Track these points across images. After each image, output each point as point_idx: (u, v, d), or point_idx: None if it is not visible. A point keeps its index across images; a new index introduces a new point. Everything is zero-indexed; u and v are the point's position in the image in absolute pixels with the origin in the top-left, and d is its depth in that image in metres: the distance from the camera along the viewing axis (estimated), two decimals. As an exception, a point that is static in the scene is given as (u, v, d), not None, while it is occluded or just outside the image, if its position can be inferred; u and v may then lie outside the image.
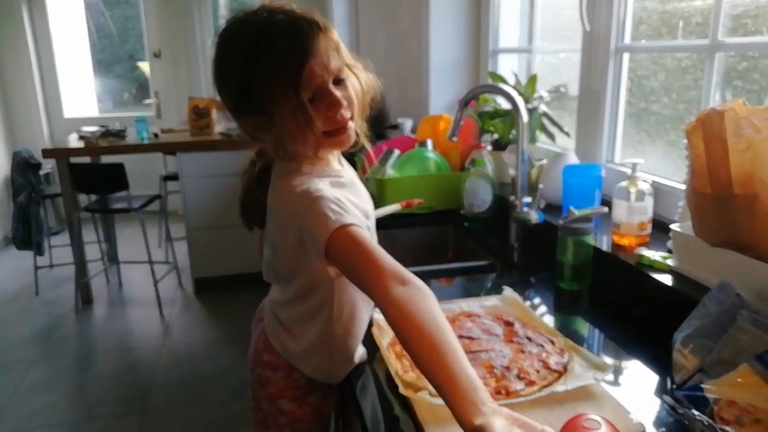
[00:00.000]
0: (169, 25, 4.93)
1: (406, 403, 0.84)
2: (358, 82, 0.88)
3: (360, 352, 0.99)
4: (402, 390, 0.84)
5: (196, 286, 3.46)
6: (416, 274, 1.37)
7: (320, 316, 0.94)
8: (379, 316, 1.06)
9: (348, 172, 0.98)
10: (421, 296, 0.73)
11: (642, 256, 1.13)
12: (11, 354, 2.85)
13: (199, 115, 3.35)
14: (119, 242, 3.81)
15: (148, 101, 5.12)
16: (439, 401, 0.79)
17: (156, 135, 3.37)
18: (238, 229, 3.69)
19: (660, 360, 0.94)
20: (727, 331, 0.86)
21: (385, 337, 1.00)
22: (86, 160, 3.41)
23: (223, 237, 3.34)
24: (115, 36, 5.74)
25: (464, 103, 1.52)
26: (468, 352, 0.93)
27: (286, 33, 0.82)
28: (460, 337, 0.98)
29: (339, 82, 0.85)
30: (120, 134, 3.27)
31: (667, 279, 1.06)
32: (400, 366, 0.90)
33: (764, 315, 0.84)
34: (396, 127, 2.66)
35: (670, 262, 1.09)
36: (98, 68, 5.59)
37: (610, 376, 0.92)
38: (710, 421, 0.77)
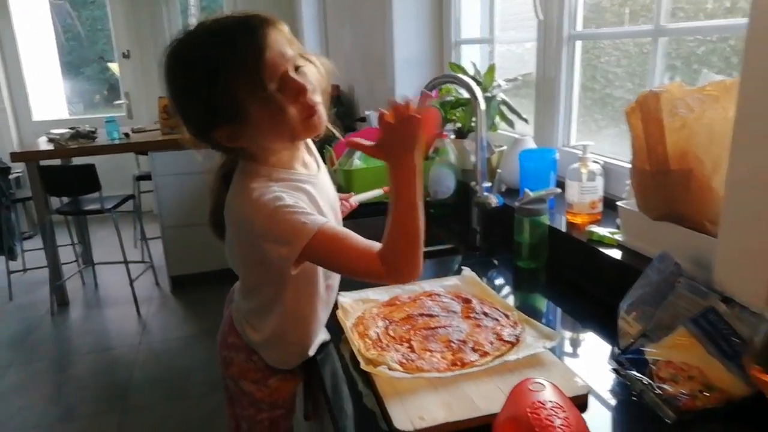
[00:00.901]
0: (138, 26, 4.89)
1: (368, 379, 0.89)
2: (315, 68, 0.91)
3: (318, 341, 1.03)
4: (363, 366, 0.88)
5: (173, 283, 3.48)
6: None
7: (275, 311, 0.97)
8: (343, 300, 1.11)
9: (310, 169, 0.99)
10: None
11: (592, 233, 1.19)
12: (-13, 359, 2.84)
13: (170, 114, 3.34)
14: (93, 244, 3.79)
15: (119, 102, 5.07)
16: (398, 374, 0.85)
17: (127, 135, 3.36)
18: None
19: (610, 329, 0.99)
20: (667, 298, 0.92)
21: (349, 318, 1.04)
22: (57, 162, 3.39)
23: (197, 234, 3.33)
24: (84, 37, 5.67)
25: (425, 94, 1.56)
26: (427, 328, 0.98)
27: (239, 32, 0.84)
28: (421, 315, 1.03)
29: (296, 70, 0.87)
30: (90, 135, 3.26)
31: (615, 253, 1.12)
32: (362, 345, 0.94)
33: (700, 281, 0.90)
34: (363, 119, 2.70)
35: (617, 237, 1.15)
36: (67, 70, 5.51)
37: (564, 346, 0.98)
38: (649, 380, 0.83)
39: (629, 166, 1.31)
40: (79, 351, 2.90)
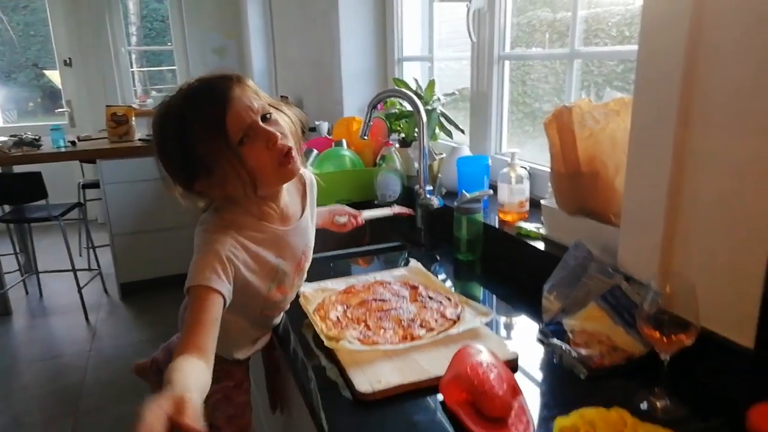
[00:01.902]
0: (80, 33, 4.82)
1: (330, 355, 1.02)
2: (285, 116, 0.99)
3: (250, 350, 1.18)
4: (327, 343, 1.01)
5: (122, 290, 3.46)
6: (339, 257, 1.56)
7: None
8: (304, 289, 1.23)
9: (286, 222, 1.06)
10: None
11: (521, 228, 1.36)
12: (-75, 373, 2.76)
13: (118, 122, 3.35)
14: (36, 253, 3.72)
15: (60, 110, 4.96)
16: (357, 347, 0.98)
17: (73, 143, 3.34)
18: (162, 233, 3.77)
19: (535, 309, 1.16)
20: (581, 279, 1.10)
21: (311, 304, 1.17)
22: (-3, 170, 3.33)
23: (147, 241, 3.37)
24: (16, 43, 5.50)
25: (372, 106, 1.71)
26: (380, 310, 1.12)
27: (203, 93, 0.94)
28: (374, 300, 1.17)
29: (266, 119, 0.95)
30: (34, 143, 3.22)
31: (540, 245, 1.30)
32: (324, 326, 1.07)
33: (607, 265, 1.08)
34: (314, 129, 2.83)
35: (541, 231, 1.33)
36: (-1, 77, 5.34)
37: (498, 324, 1.14)
38: (567, 346, 1.00)
39: (549, 170, 1.51)
40: (26, 360, 2.86)
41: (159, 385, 1.52)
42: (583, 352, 0.97)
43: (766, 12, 0.76)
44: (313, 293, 1.22)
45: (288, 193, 1.09)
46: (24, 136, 3.26)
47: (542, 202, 1.32)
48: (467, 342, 0.99)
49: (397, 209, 1.63)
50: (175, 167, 0.96)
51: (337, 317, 1.10)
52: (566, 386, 0.92)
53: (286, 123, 0.98)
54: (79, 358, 2.82)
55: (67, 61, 4.87)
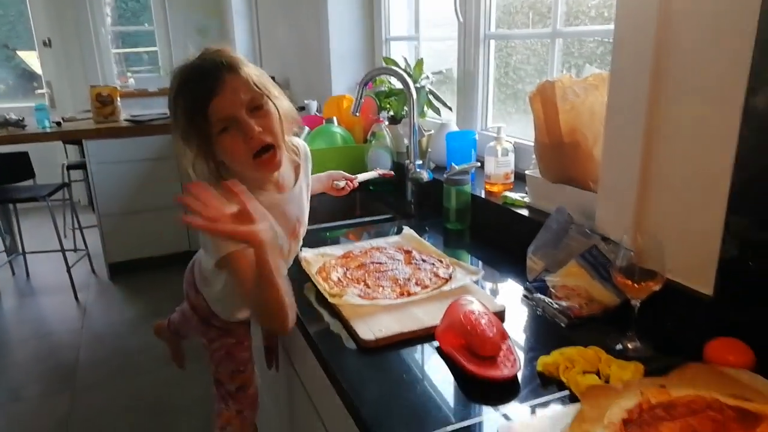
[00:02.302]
0: (59, 13, 4.76)
1: (333, 311, 1.10)
2: (275, 110, 1.04)
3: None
4: (330, 299, 1.10)
5: (111, 271, 3.50)
6: (334, 228, 1.64)
7: (220, 278, 1.20)
8: (305, 254, 1.31)
9: (280, 188, 1.15)
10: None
11: (506, 197, 1.46)
12: None
13: (103, 103, 3.36)
14: (20, 234, 3.73)
15: (40, 91, 4.91)
16: (359, 301, 1.07)
17: (58, 124, 3.34)
18: (149, 213, 3.82)
19: (519, 268, 1.26)
20: (562, 241, 1.20)
21: (313, 267, 1.25)
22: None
23: (135, 221, 3.40)
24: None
25: (363, 84, 1.78)
26: (378, 272, 1.21)
27: (195, 75, 1.01)
28: (372, 263, 1.25)
29: (257, 109, 1.01)
30: (19, 124, 3.21)
31: (524, 212, 1.40)
32: (326, 285, 1.16)
33: (586, 227, 1.18)
34: (302, 108, 2.88)
35: (526, 199, 1.43)
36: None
37: (487, 283, 1.23)
38: (549, 299, 1.10)
39: (533, 144, 1.60)
40: (17, 338, 2.90)
41: (174, 343, 1.64)
42: (564, 303, 1.07)
43: (724, 10, 0.86)
44: (314, 257, 1.30)
45: (284, 165, 1.15)
46: (8, 116, 3.26)
47: (527, 172, 1.41)
48: (458, 296, 1.09)
49: (380, 171, 1.74)
50: (174, 125, 1.05)
51: (338, 278, 1.19)
52: (548, 333, 1.02)
53: (276, 115, 1.04)
54: (71, 336, 2.86)
55: (47, 42, 4.81)
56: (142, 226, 3.42)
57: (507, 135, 1.58)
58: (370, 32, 2.62)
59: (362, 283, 1.16)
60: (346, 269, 1.23)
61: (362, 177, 1.62)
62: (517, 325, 1.05)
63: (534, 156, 1.49)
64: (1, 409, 2.33)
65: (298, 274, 1.26)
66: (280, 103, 1.07)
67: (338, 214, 1.87)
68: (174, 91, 1.03)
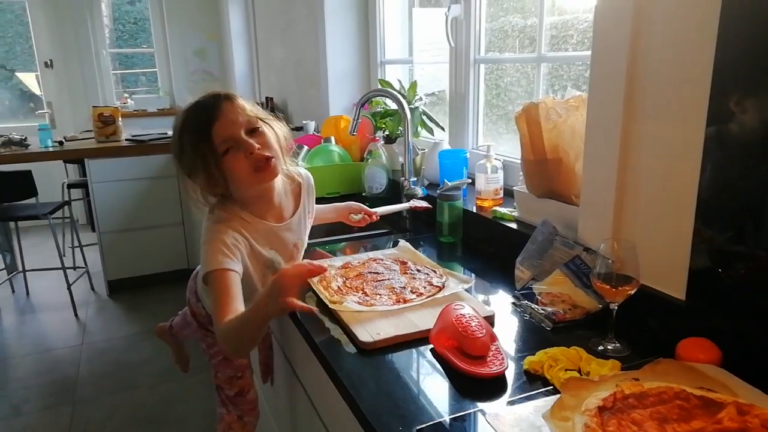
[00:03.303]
0: (61, 35, 4.87)
1: (334, 317, 1.17)
2: (272, 130, 1.18)
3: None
4: (330, 306, 1.17)
5: (110, 288, 3.55)
6: (332, 242, 1.72)
7: None
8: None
9: (279, 220, 1.25)
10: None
11: (496, 212, 1.54)
12: None
13: (105, 122, 3.45)
14: (17, 252, 3.77)
15: (41, 111, 4.99)
16: (358, 308, 1.14)
17: (60, 143, 3.42)
18: (149, 231, 3.89)
19: (507, 279, 1.34)
20: (547, 251, 1.28)
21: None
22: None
23: (135, 239, 3.47)
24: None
25: (360, 105, 1.88)
26: (375, 281, 1.29)
27: (196, 111, 1.14)
28: (369, 272, 1.33)
29: (253, 131, 1.13)
30: (22, 143, 3.29)
31: (513, 225, 1.48)
32: (327, 294, 1.23)
33: (570, 239, 1.26)
34: (300, 128, 2.98)
35: (514, 214, 1.51)
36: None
37: (478, 292, 1.31)
38: (536, 305, 1.18)
39: (520, 160, 1.69)
40: (18, 354, 2.94)
41: (175, 345, 1.70)
42: (549, 309, 1.15)
43: (689, 29, 0.95)
44: (314, 269, 1.38)
45: (283, 194, 1.27)
46: (12, 135, 3.33)
47: (515, 188, 1.50)
48: (451, 303, 1.16)
49: (415, 203, 1.70)
50: (178, 161, 1.16)
51: (338, 287, 1.26)
52: (534, 336, 1.09)
53: (271, 135, 1.17)
54: (71, 352, 2.90)
55: (48, 63, 4.91)
56: (141, 244, 3.48)
57: (497, 153, 1.67)
58: (365, 55, 2.73)
59: (361, 291, 1.24)
60: (346, 279, 1.31)
61: (384, 210, 1.64)
62: (506, 330, 1.13)
63: (521, 172, 1.58)
64: (2, 423, 2.36)
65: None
66: (275, 125, 1.21)
67: (336, 229, 1.95)
68: (179, 128, 1.15)
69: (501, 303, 1.25)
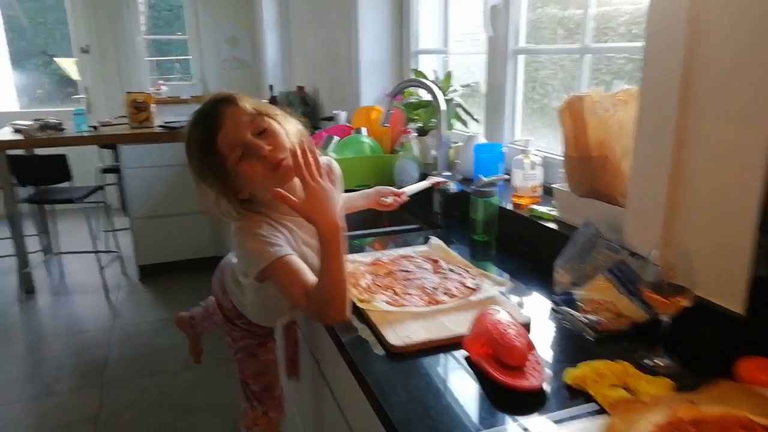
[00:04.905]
0: (97, 21, 4.93)
1: (363, 316, 1.13)
2: (281, 127, 1.10)
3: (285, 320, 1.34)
4: (359, 305, 1.12)
5: (141, 273, 3.58)
6: (361, 236, 1.67)
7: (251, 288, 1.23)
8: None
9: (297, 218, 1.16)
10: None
11: (534, 210, 1.47)
12: (-45, 344, 2.89)
13: (138, 108, 3.46)
14: (53, 234, 3.85)
15: (77, 96, 5.07)
16: (388, 308, 1.09)
17: (95, 128, 3.45)
18: (180, 218, 3.92)
19: (545, 282, 1.27)
20: (590, 255, 1.21)
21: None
22: (20, 152, 3.44)
23: (165, 225, 3.49)
24: (27, 30, 5.60)
25: (393, 95, 1.82)
26: (406, 279, 1.23)
27: (198, 120, 1.08)
28: (400, 270, 1.28)
29: (262, 132, 1.07)
30: (58, 127, 3.33)
31: (552, 225, 1.41)
32: (356, 291, 1.18)
33: (614, 241, 1.19)
34: (331, 118, 2.94)
35: (553, 213, 1.44)
36: (12, 63, 5.43)
37: (513, 294, 1.25)
38: (577, 312, 1.11)
39: (561, 158, 1.61)
40: (51, 334, 3.00)
41: (193, 337, 1.68)
42: (592, 317, 1.08)
43: (755, 23, 0.87)
44: (342, 265, 1.33)
45: None
46: (48, 120, 3.37)
47: (554, 186, 1.43)
48: (485, 306, 1.10)
49: (434, 179, 1.70)
50: (196, 179, 1.11)
51: (367, 284, 1.21)
52: (576, 346, 1.03)
53: (283, 133, 1.10)
54: (102, 334, 2.94)
55: (85, 48, 4.97)
56: (171, 230, 3.50)
57: (540, 149, 1.59)
58: (399, 45, 2.66)
59: (390, 291, 1.19)
60: (375, 276, 1.26)
61: (411, 189, 1.60)
62: (544, 338, 1.06)
63: (562, 170, 1.50)
64: (35, 402, 2.40)
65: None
66: (284, 121, 1.13)
67: (365, 223, 1.90)
68: (186, 141, 1.10)
69: (538, 308, 1.19)
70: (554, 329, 1.10)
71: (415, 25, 2.54)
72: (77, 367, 2.66)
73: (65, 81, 5.53)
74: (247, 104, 1.09)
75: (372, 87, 2.71)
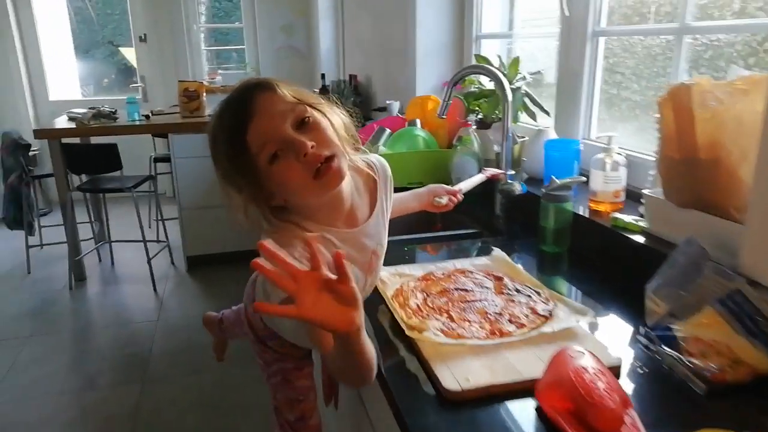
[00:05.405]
0: (155, 10, 4.94)
1: (410, 345, 0.95)
2: (326, 119, 0.89)
3: None
4: (408, 332, 0.94)
5: (189, 263, 3.54)
6: (409, 241, 1.49)
7: None
8: (381, 273, 1.17)
9: (352, 223, 0.98)
10: None
11: (617, 219, 1.24)
12: (6, 330, 2.92)
13: (190, 97, 3.40)
14: (109, 222, 3.87)
15: (134, 85, 5.12)
16: (442, 339, 0.91)
17: (147, 117, 3.42)
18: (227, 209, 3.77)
19: (632, 309, 1.05)
20: (694, 280, 0.98)
21: (388, 290, 1.10)
22: (76, 141, 3.45)
23: (214, 216, 3.42)
24: (95, 21, 5.70)
25: (453, 84, 1.62)
26: (463, 301, 1.04)
27: (226, 108, 0.87)
28: (456, 289, 1.09)
29: (303, 124, 0.86)
30: (111, 116, 3.31)
31: (639, 239, 1.18)
32: (404, 313, 1.00)
33: (726, 265, 0.96)
34: (383, 109, 2.75)
35: (642, 224, 1.21)
36: (78, 53, 5.55)
37: (591, 322, 1.04)
38: (679, 355, 0.89)
39: (650, 157, 1.37)
40: (98, 324, 2.99)
41: (220, 340, 1.52)
42: (699, 363, 0.86)
43: None
44: (389, 277, 1.16)
45: (354, 193, 1.00)
46: (102, 108, 3.36)
47: (645, 191, 1.19)
48: (563, 343, 0.90)
49: (489, 171, 1.51)
50: (220, 177, 0.91)
51: (418, 305, 1.03)
52: (681, 402, 0.81)
53: (328, 126, 0.89)
54: (147, 327, 2.90)
55: (142, 37, 5.00)
56: (219, 222, 3.42)
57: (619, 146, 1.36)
58: (459, 29, 2.45)
59: (445, 314, 1.00)
60: (427, 295, 1.07)
61: (466, 185, 1.41)
62: (635, 386, 0.85)
63: (654, 172, 1.26)
64: (77, 395, 2.37)
65: (372, 294, 1.11)
66: (329, 112, 0.92)
67: (416, 226, 1.71)
68: (210, 132, 0.89)
69: (624, 343, 0.97)
70: (648, 375, 0.88)
71: (478, 7, 2.32)
72: (120, 360, 2.62)
73: (129, 70, 5.61)
74: (287, 90, 0.87)
75: (428, 75, 2.51)
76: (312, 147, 0.84)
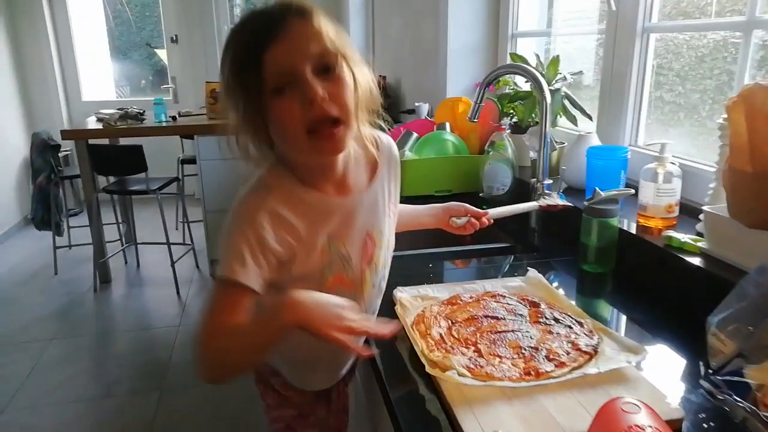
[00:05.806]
0: (187, 11, 4.93)
1: (431, 382, 0.83)
2: (351, 79, 0.78)
3: (322, 382, 1.07)
4: (428, 369, 0.82)
5: (213, 267, 3.49)
6: (433, 256, 1.36)
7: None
8: (401, 295, 1.05)
9: (345, 191, 0.88)
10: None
11: (671, 238, 1.10)
12: (30, 331, 2.90)
13: (216, 99, 3.34)
14: (136, 224, 3.86)
15: (165, 86, 5.13)
16: (468, 381, 0.79)
17: (174, 118, 3.38)
18: (254, 213, 3.68)
19: (689, 344, 0.91)
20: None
21: (409, 315, 0.98)
22: (104, 141, 3.44)
23: (238, 220, 3.36)
24: (132, 23, 5.75)
25: (486, 85, 1.49)
26: (494, 332, 0.92)
27: (253, 19, 0.77)
28: (486, 316, 0.96)
29: (327, 71, 0.76)
30: (138, 117, 3.28)
31: (697, 261, 1.03)
32: (425, 345, 0.88)
33: (805, 299, 0.81)
34: (412, 111, 2.63)
35: (701, 244, 1.05)
36: (115, 54, 5.61)
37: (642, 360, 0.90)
38: (753, 407, 0.75)
39: (706, 167, 1.22)
40: (120, 328, 2.95)
41: None
42: (777, 418, 0.71)
43: None
44: (410, 300, 1.04)
45: (352, 162, 0.88)
46: (130, 109, 3.33)
47: (705, 208, 1.04)
48: (610, 388, 0.77)
49: (547, 202, 1.32)
50: (223, 89, 0.81)
51: (441, 335, 0.91)
52: (757, 468, 0.67)
53: (350, 84, 0.78)
54: (168, 333, 2.85)
55: (174, 38, 5.00)
56: (244, 225, 3.36)
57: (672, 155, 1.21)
58: (494, 26, 2.31)
59: (472, 347, 0.87)
60: (452, 323, 0.95)
61: (502, 212, 1.24)
62: (698, 442, 0.71)
63: (713, 185, 1.12)
64: (93, 403, 2.32)
65: (391, 317, 0.99)
66: (359, 71, 0.80)
67: (443, 238, 1.59)
68: (225, 44, 0.78)
69: (684, 388, 0.83)
70: (715, 430, 0.74)
71: (514, 3, 2.18)
72: (139, 368, 2.57)
73: (164, 72, 5.64)
74: (326, 28, 0.76)
75: (460, 76, 2.37)
76: (322, 99, 0.74)
